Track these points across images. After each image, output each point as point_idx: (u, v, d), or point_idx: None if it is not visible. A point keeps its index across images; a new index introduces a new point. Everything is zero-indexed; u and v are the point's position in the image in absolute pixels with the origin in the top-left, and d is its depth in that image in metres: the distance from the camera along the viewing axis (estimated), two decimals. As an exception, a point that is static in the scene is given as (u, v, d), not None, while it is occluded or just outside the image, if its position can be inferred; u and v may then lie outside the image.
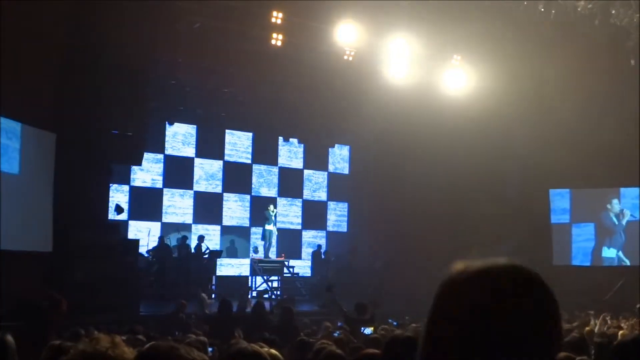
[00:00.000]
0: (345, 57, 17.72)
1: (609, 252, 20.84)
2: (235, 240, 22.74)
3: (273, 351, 2.64)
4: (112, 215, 18.19)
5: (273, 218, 21.20)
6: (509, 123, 19.46)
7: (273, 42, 16.73)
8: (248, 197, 23.33)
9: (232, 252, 22.37)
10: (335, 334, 8.42)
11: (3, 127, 13.45)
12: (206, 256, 19.92)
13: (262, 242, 21.53)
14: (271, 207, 21.31)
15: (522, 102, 19.03)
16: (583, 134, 18.78)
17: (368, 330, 9.36)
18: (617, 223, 20.84)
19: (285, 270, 21.20)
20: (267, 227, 21.17)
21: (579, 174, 19.66)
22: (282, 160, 24.22)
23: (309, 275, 22.65)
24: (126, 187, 20.94)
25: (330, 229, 24.85)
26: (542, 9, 16.71)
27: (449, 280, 1.27)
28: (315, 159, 24.57)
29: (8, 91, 12.66)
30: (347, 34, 17.06)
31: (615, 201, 20.84)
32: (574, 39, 17.50)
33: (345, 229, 25.02)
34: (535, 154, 19.76)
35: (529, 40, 17.85)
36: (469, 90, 18.46)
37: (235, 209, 23.10)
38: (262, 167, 23.75)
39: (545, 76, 18.45)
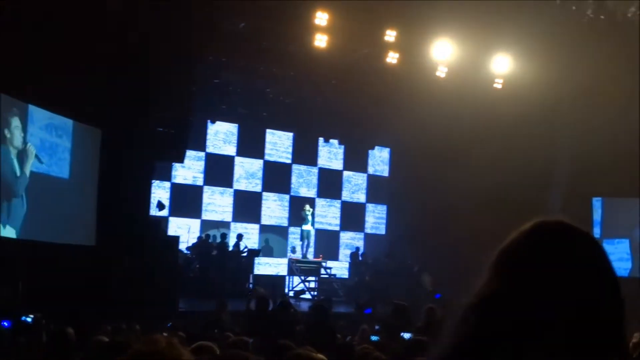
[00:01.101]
0: (389, 60, 17.66)
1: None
2: (273, 239, 22.83)
3: (321, 356, 2.64)
4: (153, 211, 18.40)
5: (310, 218, 21.15)
6: (555, 125, 19.17)
7: (317, 43, 16.75)
8: (287, 197, 23.39)
9: (269, 252, 22.46)
10: (373, 338, 8.38)
11: (54, 124, 13.75)
12: (244, 254, 20.03)
13: (300, 242, 21.55)
14: (307, 207, 21.26)
15: (569, 103, 18.74)
16: (625, 138, 18.28)
17: (407, 335, 9.29)
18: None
19: (323, 271, 21.19)
20: (305, 227, 21.15)
21: (618, 181, 18.91)
22: (322, 161, 24.23)
23: (346, 276, 22.63)
24: (167, 184, 21.16)
25: (368, 231, 24.79)
26: (591, 12, 16.44)
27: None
28: (355, 160, 24.53)
29: (56, 86, 12.90)
30: (390, 36, 17.03)
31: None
32: (624, 39, 17.09)
33: (383, 232, 24.94)
34: (581, 161, 19.38)
35: (578, 39, 17.49)
36: (513, 91, 18.26)
37: (274, 209, 23.19)
38: (302, 167, 23.80)
39: (593, 76, 18.04)
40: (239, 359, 1.47)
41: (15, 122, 12.72)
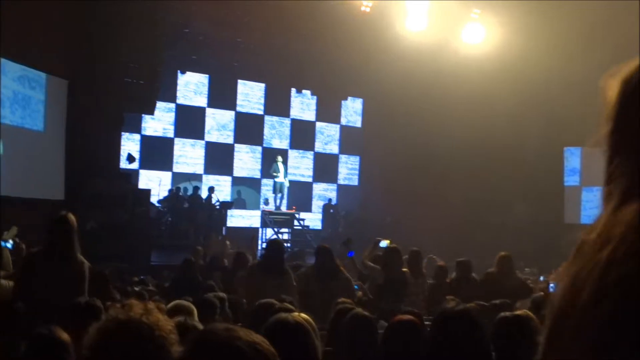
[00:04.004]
0: (362, 9, 17.38)
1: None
2: (246, 191, 22.71)
3: (304, 316, 2.54)
4: (123, 164, 18.13)
5: (281, 169, 20.94)
6: (526, 79, 19.09)
7: (289, -9, 16.40)
8: (259, 148, 23.21)
9: (242, 204, 22.35)
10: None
11: (28, 77, 13.40)
12: (217, 207, 19.90)
13: (273, 195, 21.44)
14: (279, 158, 21.06)
15: (542, 57, 18.64)
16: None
17: (384, 243, 9.32)
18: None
19: (296, 222, 21.17)
20: (277, 179, 21.00)
21: (594, 132, 19.17)
22: (295, 112, 24.02)
23: (320, 228, 22.64)
24: (137, 136, 20.84)
25: (341, 182, 24.76)
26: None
27: None
28: (328, 111, 24.35)
29: (26, 38, 12.51)
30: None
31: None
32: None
33: (356, 183, 24.93)
34: (554, 111, 19.44)
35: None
36: (487, 45, 18.13)
37: (247, 160, 23.02)
38: (274, 118, 23.58)
39: (565, 31, 17.98)
40: (225, 339, 1.38)
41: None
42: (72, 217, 5.09)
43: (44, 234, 5.16)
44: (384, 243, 9.31)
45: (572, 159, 21.21)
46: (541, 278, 12.45)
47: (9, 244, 4.87)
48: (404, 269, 6.96)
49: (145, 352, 1.95)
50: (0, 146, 12.66)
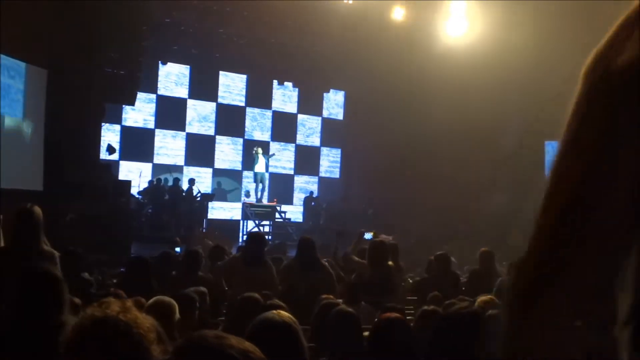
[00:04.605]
0: (345, 1, 17.31)
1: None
2: (227, 183, 22.61)
3: (284, 313, 2.50)
4: (103, 155, 17.96)
5: (260, 159, 20.81)
6: (508, 72, 19.13)
7: (272, -18, 16.31)
8: (241, 140, 23.11)
9: (223, 196, 22.25)
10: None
11: (6, 65, 13.19)
12: (198, 199, 19.79)
13: (254, 185, 21.35)
14: (257, 149, 20.94)
15: (523, 51, 18.68)
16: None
17: (368, 235, 9.29)
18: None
19: (277, 215, 21.11)
20: (257, 169, 20.89)
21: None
22: (276, 104, 23.93)
23: (301, 220, 22.60)
24: (117, 127, 20.67)
25: (322, 174, 24.72)
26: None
27: None
28: (310, 103, 24.29)
29: (4, 26, 12.28)
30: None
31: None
32: None
33: (337, 175, 24.91)
34: (534, 106, 19.51)
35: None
36: (469, 37, 18.12)
37: (228, 152, 22.91)
38: (256, 110, 23.48)
39: (547, 27, 18.04)
40: (217, 347, 1.34)
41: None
42: (37, 209, 4.94)
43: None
44: (368, 235, 9.29)
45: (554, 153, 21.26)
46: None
47: None
48: (390, 263, 6.94)
49: (123, 349, 1.91)
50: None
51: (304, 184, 24.19)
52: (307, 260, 6.79)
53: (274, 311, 2.52)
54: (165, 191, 19.39)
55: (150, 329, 1.98)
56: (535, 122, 19.88)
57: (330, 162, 24.96)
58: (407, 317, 5.03)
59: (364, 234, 8.88)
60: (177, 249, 10.79)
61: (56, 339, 2.77)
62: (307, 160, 24.33)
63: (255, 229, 19.96)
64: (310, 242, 7.09)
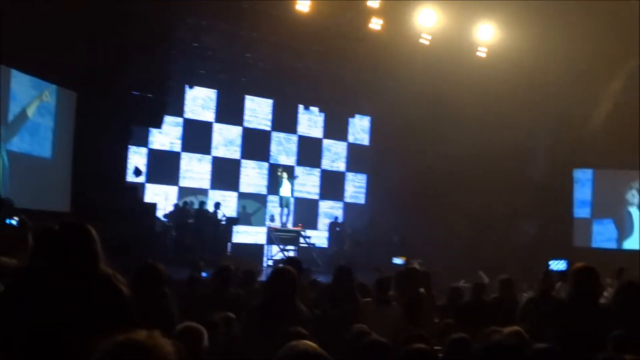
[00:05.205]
0: (370, 26, 17.31)
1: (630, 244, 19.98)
2: (252, 207, 22.59)
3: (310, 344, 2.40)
4: (130, 177, 18.04)
5: (285, 183, 20.73)
6: (537, 99, 19.00)
7: (299, 7, 16.37)
8: (266, 164, 23.11)
9: (248, 220, 22.22)
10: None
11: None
12: (223, 222, 19.77)
13: (279, 210, 21.29)
14: (284, 173, 20.87)
15: (552, 77, 18.55)
16: (611, 112, 18.28)
17: (399, 260, 9.12)
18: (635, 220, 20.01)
19: (302, 240, 21.00)
20: (283, 193, 20.84)
21: (604, 153, 19.02)
22: (302, 129, 23.95)
23: (326, 246, 22.48)
24: (144, 150, 20.77)
25: (347, 200, 24.62)
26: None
27: None
28: (336, 128, 24.29)
29: (31, 49, 12.46)
30: (374, 1, 16.71)
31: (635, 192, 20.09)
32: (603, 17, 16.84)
33: (362, 201, 24.79)
34: (562, 133, 19.33)
35: (563, 11, 17.21)
36: (498, 62, 18.04)
37: (253, 176, 22.92)
38: (282, 134, 23.50)
39: (577, 53, 17.86)
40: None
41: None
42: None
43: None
44: (399, 260, 9.14)
45: (583, 190, 20.89)
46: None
47: (14, 221, 4.77)
48: (421, 290, 6.78)
49: None
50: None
51: (329, 209, 24.10)
52: (342, 289, 6.61)
53: (302, 341, 2.44)
54: (191, 214, 19.39)
55: (170, 353, 1.94)
56: (563, 149, 19.71)
57: (355, 187, 24.86)
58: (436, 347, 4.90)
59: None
60: (203, 274, 10.69)
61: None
62: (332, 185, 24.27)
63: (280, 254, 19.90)
64: (347, 270, 6.92)
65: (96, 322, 2.14)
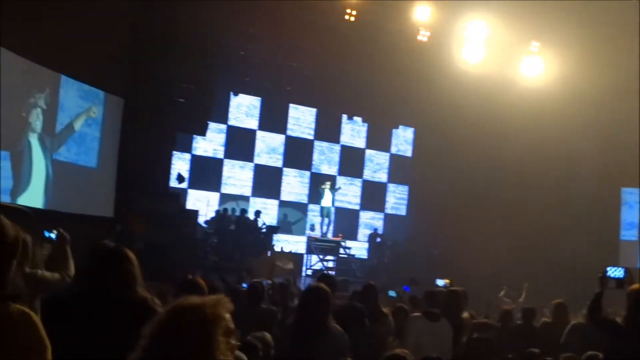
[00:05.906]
0: (419, 38, 17.20)
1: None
2: (292, 215, 22.57)
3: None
4: (173, 183, 18.15)
5: (327, 194, 20.71)
6: (584, 115, 18.62)
7: (346, 17, 16.33)
8: (308, 173, 23.09)
9: (288, 228, 22.20)
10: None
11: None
12: (263, 230, 19.76)
13: (320, 220, 21.23)
14: (327, 185, 20.87)
15: (599, 95, 18.17)
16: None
17: (442, 282, 8.95)
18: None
19: (341, 250, 20.89)
20: (324, 204, 20.80)
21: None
22: (345, 139, 23.87)
23: (365, 257, 22.33)
24: (187, 156, 20.90)
25: (388, 211, 24.46)
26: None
27: None
28: (378, 139, 24.16)
29: (80, 56, 12.61)
30: (422, 14, 16.58)
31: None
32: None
33: (404, 213, 24.59)
34: (610, 151, 18.90)
35: (611, 29, 16.91)
36: (545, 79, 17.76)
37: (295, 185, 22.91)
38: (324, 144, 23.45)
39: (624, 66, 17.46)
40: None
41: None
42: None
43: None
44: (441, 282, 8.99)
45: (630, 211, 20.34)
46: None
47: (53, 235, 4.80)
48: (465, 314, 6.61)
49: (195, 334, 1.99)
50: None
51: (370, 220, 23.96)
52: (370, 309, 6.36)
53: None
54: (232, 221, 19.43)
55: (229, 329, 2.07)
56: (611, 169, 19.25)
57: (396, 198, 24.68)
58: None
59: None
60: (244, 285, 10.69)
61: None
62: (373, 196, 24.13)
63: (319, 264, 19.83)
64: (373, 289, 6.68)
65: (133, 348, 2.11)
